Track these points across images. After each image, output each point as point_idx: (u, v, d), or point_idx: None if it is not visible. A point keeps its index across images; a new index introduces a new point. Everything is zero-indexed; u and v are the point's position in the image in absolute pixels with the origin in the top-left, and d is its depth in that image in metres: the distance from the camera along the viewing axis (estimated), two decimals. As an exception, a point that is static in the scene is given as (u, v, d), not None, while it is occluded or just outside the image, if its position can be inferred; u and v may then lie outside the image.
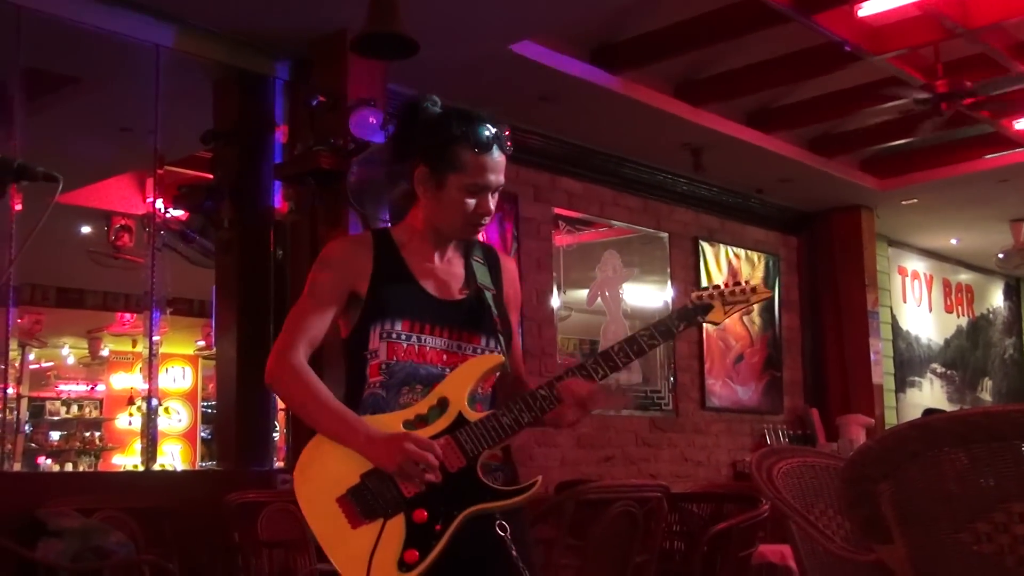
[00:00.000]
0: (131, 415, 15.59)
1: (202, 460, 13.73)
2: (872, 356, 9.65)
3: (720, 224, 9.01)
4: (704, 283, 8.73)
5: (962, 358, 12.25)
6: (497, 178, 2.37)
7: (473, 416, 2.29)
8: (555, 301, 7.44)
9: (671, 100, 7.06)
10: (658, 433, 8.14)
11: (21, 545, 4.10)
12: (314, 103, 5.50)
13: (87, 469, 13.44)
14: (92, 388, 15.61)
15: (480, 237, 2.53)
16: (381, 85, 5.67)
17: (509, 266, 2.61)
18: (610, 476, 7.30)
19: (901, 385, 10.86)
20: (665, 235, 8.44)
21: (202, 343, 14.91)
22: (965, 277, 12.56)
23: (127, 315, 14.05)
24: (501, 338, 2.41)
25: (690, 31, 6.29)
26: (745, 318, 9.13)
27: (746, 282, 2.39)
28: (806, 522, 2.62)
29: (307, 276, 2.43)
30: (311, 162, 5.45)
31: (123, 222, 9.41)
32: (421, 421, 2.30)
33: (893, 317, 10.73)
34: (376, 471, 2.26)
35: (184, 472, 11.06)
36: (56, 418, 14.83)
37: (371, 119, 5.54)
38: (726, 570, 4.48)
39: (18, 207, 6.26)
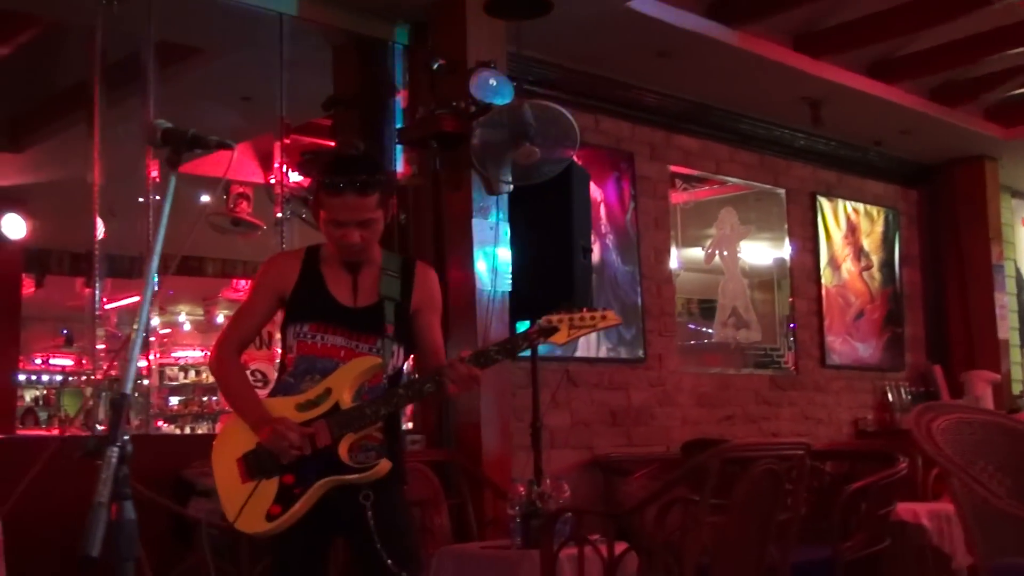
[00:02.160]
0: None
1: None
2: (997, 311, 9.37)
3: (838, 179, 8.82)
4: (822, 239, 8.57)
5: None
6: (351, 215, 2.90)
7: (347, 405, 2.89)
8: (673, 261, 7.37)
9: (790, 53, 6.91)
10: (778, 391, 8.04)
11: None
12: (434, 66, 5.51)
13: (206, 433, 13.80)
14: (207, 354, 16.01)
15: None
16: (501, 47, 5.65)
17: (423, 278, 3.13)
18: (730, 435, 7.24)
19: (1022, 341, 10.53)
20: (782, 191, 8.30)
21: None
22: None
23: (242, 281, 14.36)
24: (391, 341, 2.98)
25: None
26: (864, 274, 8.95)
27: (598, 311, 2.93)
28: (970, 478, 2.57)
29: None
30: (433, 126, 5.46)
31: (241, 190, 9.58)
32: (310, 405, 2.92)
33: (1017, 271, 10.40)
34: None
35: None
36: (174, 383, 15.25)
37: (491, 81, 5.52)
38: (864, 528, 4.42)
39: (98, 183, 6.32)
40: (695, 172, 7.64)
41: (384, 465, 2.90)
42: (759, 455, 3.58)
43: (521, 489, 4.45)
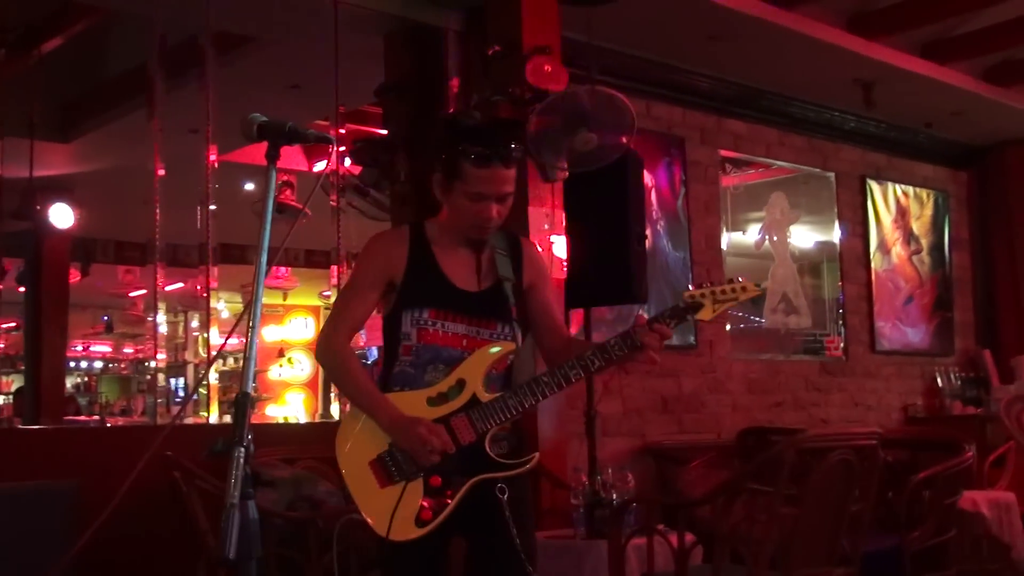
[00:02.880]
0: (281, 366, 16.09)
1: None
2: (1048, 294, 9.26)
3: (887, 161, 8.72)
4: (872, 223, 8.48)
5: None
6: (497, 189, 2.72)
7: (485, 397, 2.70)
8: (723, 245, 7.32)
9: (843, 34, 6.82)
10: (827, 377, 7.98)
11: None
12: (490, 52, 5.47)
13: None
14: (243, 340, 16.07)
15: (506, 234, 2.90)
16: (555, 32, 5.60)
17: (531, 253, 2.97)
18: (780, 422, 7.20)
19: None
20: (832, 174, 8.21)
21: (328, 292, 15.30)
22: None
23: (282, 269, 14.41)
24: (516, 324, 2.80)
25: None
26: (914, 258, 8.86)
27: (737, 282, 2.72)
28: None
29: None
30: (490, 112, 5.43)
31: (285, 177, 9.60)
32: (442, 399, 2.73)
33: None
34: None
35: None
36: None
37: (547, 67, 5.49)
38: (931, 517, 4.38)
39: (161, 172, 6.38)
40: (744, 156, 7.57)
41: (536, 458, 2.76)
42: (834, 445, 3.54)
43: (584, 479, 4.44)
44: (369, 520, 2.69)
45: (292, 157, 9.51)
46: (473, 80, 5.75)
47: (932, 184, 9.14)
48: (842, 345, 8.10)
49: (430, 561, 2.76)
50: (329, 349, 2.85)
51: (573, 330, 5.91)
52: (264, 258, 1.98)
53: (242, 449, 1.73)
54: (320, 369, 14.56)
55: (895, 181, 8.75)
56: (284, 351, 16.22)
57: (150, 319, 7.45)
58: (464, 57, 5.91)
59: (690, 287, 2.75)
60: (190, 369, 14.61)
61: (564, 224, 5.55)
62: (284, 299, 16.10)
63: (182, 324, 16.05)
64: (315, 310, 16.58)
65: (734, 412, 7.17)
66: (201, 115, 5.73)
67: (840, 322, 8.12)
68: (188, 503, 3.73)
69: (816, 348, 7.93)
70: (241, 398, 1.77)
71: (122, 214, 10.47)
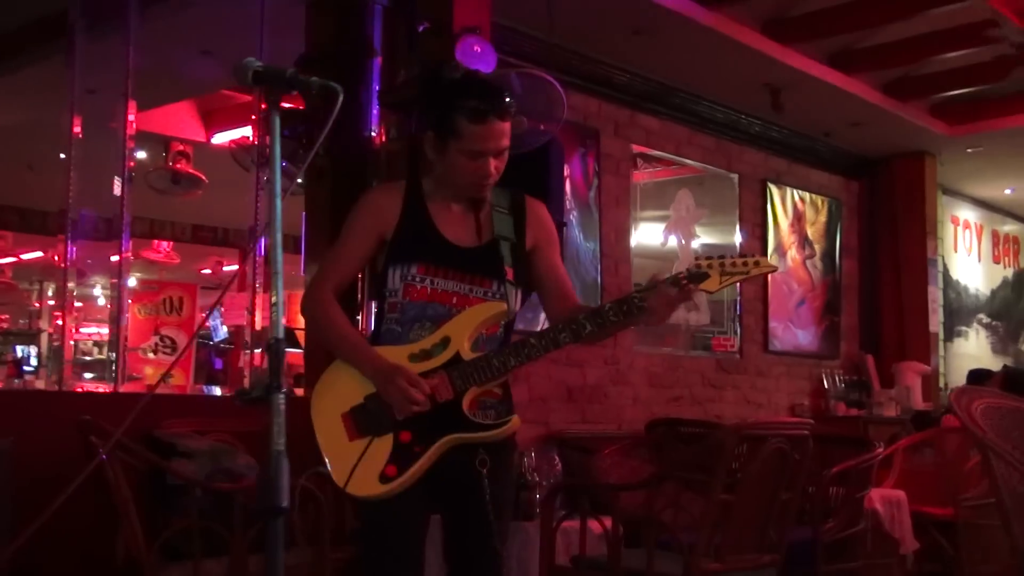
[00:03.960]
0: (156, 351, 15.61)
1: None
2: (929, 304, 9.61)
3: (787, 167, 8.93)
4: (770, 226, 8.67)
5: (1007, 309, 12.22)
6: (495, 144, 2.63)
7: (469, 356, 2.59)
8: (632, 239, 7.38)
9: (759, 37, 6.94)
10: (723, 375, 8.12)
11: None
12: (420, 29, 5.39)
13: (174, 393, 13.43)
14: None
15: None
16: (486, 13, 5.55)
17: (537, 211, 2.85)
18: (677, 415, 7.29)
19: (949, 334, 10.83)
20: (735, 176, 8.36)
21: (208, 271, 14.96)
22: (1011, 228, 12.49)
23: (163, 243, 13.97)
24: (510, 285, 2.68)
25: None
26: (808, 262, 9.09)
27: (752, 255, 2.65)
28: (1016, 460, 2.59)
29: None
30: (416, 89, 5.34)
31: (181, 148, 9.32)
32: (425, 355, 2.62)
33: (944, 266, 10.68)
34: (376, 395, 2.60)
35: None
36: (88, 359, 14.79)
37: (476, 47, 5.42)
38: (845, 510, 4.49)
39: (77, 129, 6.21)
40: (655, 152, 7.65)
41: (515, 422, 2.64)
42: (771, 433, 3.59)
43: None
44: (333, 473, 2.60)
45: (188, 126, 9.24)
46: (399, 56, 5.65)
47: (827, 191, 9.39)
48: (737, 343, 8.25)
49: (409, 529, 2.65)
50: (312, 299, 2.73)
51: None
52: (279, 229, 1.87)
53: (282, 395, 1.64)
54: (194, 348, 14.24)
55: (793, 186, 8.97)
56: (158, 328, 15.73)
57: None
58: (391, 32, 5.79)
59: (697, 258, 2.67)
60: (43, 337, 14.06)
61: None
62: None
63: (36, 293, 15.38)
64: (190, 289, 16.10)
65: (635, 405, 7.24)
66: (122, 72, 5.62)
67: (736, 321, 8.27)
68: (109, 470, 3.56)
69: (709, 345, 8.07)
70: (274, 344, 1.68)
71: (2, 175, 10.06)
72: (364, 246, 2.75)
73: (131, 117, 5.46)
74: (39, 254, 13.80)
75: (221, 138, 9.24)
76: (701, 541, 3.45)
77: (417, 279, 2.66)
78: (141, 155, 10.02)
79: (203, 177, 8.99)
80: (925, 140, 9.19)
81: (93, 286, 14.90)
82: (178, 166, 9.23)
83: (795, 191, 8.97)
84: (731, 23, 6.64)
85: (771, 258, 8.62)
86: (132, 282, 14.43)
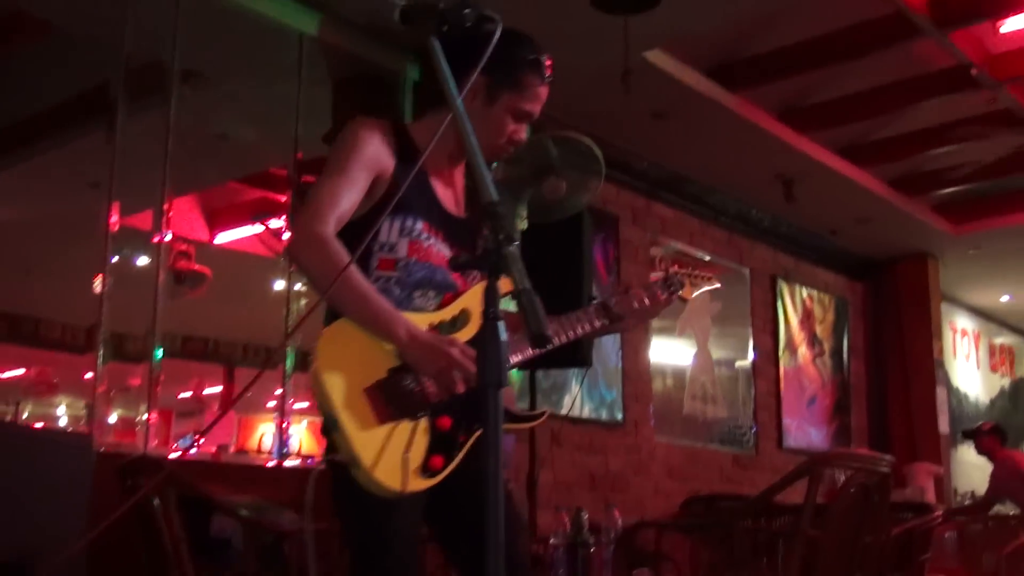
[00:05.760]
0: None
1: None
2: (938, 406, 9.54)
3: (795, 264, 8.95)
4: (781, 322, 8.62)
5: (1006, 420, 12.14)
6: (539, 109, 2.40)
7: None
8: (653, 327, 7.29)
9: (776, 123, 7.02)
10: (740, 470, 7.95)
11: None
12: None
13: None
14: None
15: None
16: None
17: None
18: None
19: (953, 440, 10.73)
20: (747, 270, 8.35)
21: (187, 394, 14.43)
22: (1006, 339, 12.54)
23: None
24: None
25: (806, 52, 6.26)
26: (817, 360, 9.03)
27: (703, 271, 2.75)
28: None
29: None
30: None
31: (183, 247, 9.18)
32: (449, 327, 2.24)
33: (945, 372, 10.65)
34: (404, 368, 2.17)
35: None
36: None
37: (509, 117, 5.45)
38: (912, 571, 4.32)
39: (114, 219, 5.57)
40: (670, 242, 7.64)
41: (547, 412, 2.42)
42: (856, 467, 3.45)
43: (565, 518, 4.22)
44: (364, 461, 2.09)
45: (191, 223, 9.13)
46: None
47: (833, 290, 9.40)
48: (753, 439, 8.11)
49: (411, 545, 2.25)
50: (314, 238, 2.15)
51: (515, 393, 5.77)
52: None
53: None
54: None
55: (801, 284, 8.97)
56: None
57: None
58: (421, 106, 5.80)
59: (664, 268, 2.81)
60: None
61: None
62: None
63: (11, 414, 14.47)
64: (166, 415, 15.48)
65: (655, 495, 7.05)
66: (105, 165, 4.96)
67: (751, 416, 8.14)
68: (161, 512, 3.35)
69: (730, 439, 7.92)
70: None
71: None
72: (364, 183, 2.25)
73: (114, 218, 4.86)
74: (20, 371, 13.34)
75: (225, 238, 9.17)
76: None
77: (424, 236, 2.30)
78: (143, 260, 9.94)
79: (207, 272, 8.83)
80: (929, 240, 9.26)
81: (57, 405, 14.02)
82: (180, 264, 9.09)
83: (804, 288, 8.97)
84: (750, 106, 6.71)
85: (782, 355, 8.56)
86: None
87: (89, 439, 2.70)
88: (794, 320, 8.77)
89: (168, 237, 5.20)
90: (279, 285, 6.61)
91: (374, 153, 2.27)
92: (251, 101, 6.13)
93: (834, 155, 7.57)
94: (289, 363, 5.46)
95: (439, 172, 2.39)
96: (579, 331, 2.47)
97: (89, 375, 4.96)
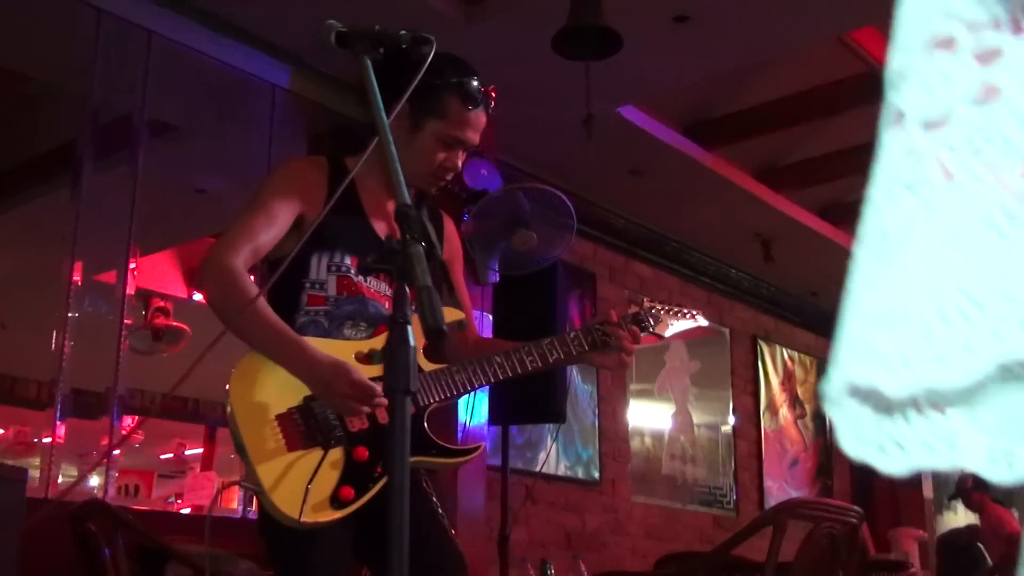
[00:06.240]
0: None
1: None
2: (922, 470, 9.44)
3: (775, 325, 8.92)
4: (762, 383, 8.57)
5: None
6: (475, 136, 2.33)
7: (428, 366, 2.25)
8: (630, 384, 7.24)
9: (753, 182, 7.03)
10: (720, 532, 7.83)
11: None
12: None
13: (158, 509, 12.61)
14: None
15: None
16: (491, 137, 5.57)
17: (450, 228, 2.58)
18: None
19: (938, 506, 10.62)
20: (727, 330, 8.32)
21: (169, 455, 14.29)
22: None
23: (127, 419, 13.53)
24: (446, 297, 2.37)
25: (782, 110, 6.28)
26: (799, 422, 8.96)
27: (691, 309, 2.65)
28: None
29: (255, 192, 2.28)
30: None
31: (161, 304, 9.12)
32: (374, 357, 2.21)
33: (930, 436, 10.57)
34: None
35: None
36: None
37: (483, 171, 5.45)
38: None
39: (76, 278, 5.50)
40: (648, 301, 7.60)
41: (483, 447, 2.38)
42: (823, 515, 3.38)
43: (531, 570, 4.14)
44: (268, 489, 2.06)
45: (169, 280, 9.09)
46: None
47: (814, 352, 9.36)
48: (734, 501, 8.01)
49: (335, 566, 2.17)
50: (224, 268, 2.11)
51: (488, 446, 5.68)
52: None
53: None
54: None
55: (782, 344, 8.93)
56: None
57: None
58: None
59: (645, 300, 2.62)
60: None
61: (491, 332, 5.39)
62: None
63: None
64: (147, 476, 15.34)
65: (633, 556, 6.94)
66: (68, 222, 4.79)
67: (733, 477, 8.06)
68: (111, 562, 3.26)
69: (711, 500, 7.82)
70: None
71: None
72: (285, 219, 2.22)
73: (76, 278, 4.70)
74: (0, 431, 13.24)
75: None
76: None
77: (352, 272, 2.28)
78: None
79: (186, 328, 8.76)
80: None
81: (36, 467, 13.87)
82: (158, 321, 9.03)
83: (784, 349, 8.93)
84: (726, 165, 6.72)
85: (764, 416, 8.49)
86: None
87: (24, 472, 2.62)
88: (775, 381, 8.72)
89: (131, 292, 5.05)
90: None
91: (298, 192, 2.25)
92: (224, 154, 6.11)
93: (812, 215, 7.58)
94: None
95: (377, 204, 2.36)
96: (545, 354, 2.35)
97: (47, 439, 4.84)
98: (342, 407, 2.10)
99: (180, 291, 9.15)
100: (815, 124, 6.43)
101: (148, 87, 4.96)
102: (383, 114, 1.77)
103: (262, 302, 2.13)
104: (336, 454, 2.13)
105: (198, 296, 9.17)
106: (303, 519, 2.06)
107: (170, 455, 14.68)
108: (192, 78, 5.22)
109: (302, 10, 4.82)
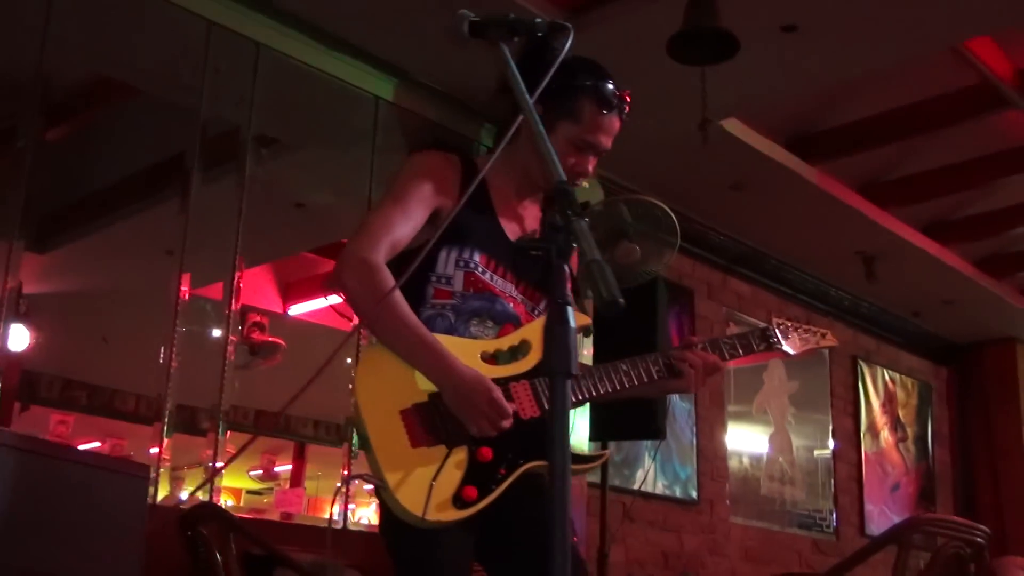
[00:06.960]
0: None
1: None
2: (1030, 497, 9.14)
3: (876, 346, 8.70)
4: (862, 404, 8.36)
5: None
6: (607, 141, 2.28)
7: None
8: (729, 404, 7.11)
9: (857, 197, 6.86)
10: (820, 556, 7.64)
11: None
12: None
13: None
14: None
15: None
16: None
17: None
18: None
19: (1045, 536, 10.26)
20: (826, 351, 8.10)
21: (258, 471, 14.38)
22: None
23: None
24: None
25: (889, 123, 6.13)
26: (900, 445, 8.72)
27: (817, 328, 2.57)
28: None
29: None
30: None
31: (257, 318, 9.22)
32: (501, 357, 2.17)
33: None
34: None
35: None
36: None
37: (584, 183, 5.40)
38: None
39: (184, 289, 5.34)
40: (746, 318, 7.47)
41: (608, 454, 2.41)
42: (948, 534, 3.25)
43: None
44: (392, 485, 2.03)
45: (265, 295, 9.18)
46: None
47: (916, 375, 9.12)
48: (834, 525, 7.81)
49: (458, 567, 2.13)
50: (364, 264, 2.10)
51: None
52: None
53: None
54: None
55: (883, 366, 8.71)
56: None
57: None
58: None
59: (773, 317, 2.56)
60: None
61: (592, 351, 5.31)
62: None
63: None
64: (235, 493, 15.44)
65: (731, 579, 6.80)
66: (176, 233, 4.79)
67: (832, 500, 7.86)
68: (223, 566, 3.26)
69: (810, 524, 7.63)
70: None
71: (76, 346, 9.87)
72: (422, 213, 2.20)
73: (184, 288, 4.68)
74: (96, 444, 13.43)
75: (298, 310, 9.20)
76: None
77: (480, 269, 2.23)
78: (216, 333, 9.99)
79: (281, 342, 8.83)
80: (1017, 324, 8.95)
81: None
82: (254, 335, 9.13)
83: (886, 371, 8.71)
84: (830, 179, 6.58)
85: (864, 438, 8.28)
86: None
87: (146, 469, 2.63)
88: (876, 403, 8.50)
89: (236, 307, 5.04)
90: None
91: (435, 185, 2.22)
92: (326, 167, 6.15)
93: (917, 232, 7.38)
94: (356, 439, 5.38)
95: (507, 204, 2.33)
96: (627, 378, 2.28)
97: (154, 450, 4.84)
98: (474, 422, 2.07)
99: (276, 306, 9.24)
100: (922, 138, 6.25)
101: (255, 100, 5.01)
102: (527, 96, 1.71)
103: (403, 301, 2.12)
104: (460, 453, 2.09)
105: (293, 311, 9.27)
106: (427, 516, 2.03)
107: (259, 472, 14.81)
108: (296, 90, 5.25)
109: (407, 22, 4.84)
